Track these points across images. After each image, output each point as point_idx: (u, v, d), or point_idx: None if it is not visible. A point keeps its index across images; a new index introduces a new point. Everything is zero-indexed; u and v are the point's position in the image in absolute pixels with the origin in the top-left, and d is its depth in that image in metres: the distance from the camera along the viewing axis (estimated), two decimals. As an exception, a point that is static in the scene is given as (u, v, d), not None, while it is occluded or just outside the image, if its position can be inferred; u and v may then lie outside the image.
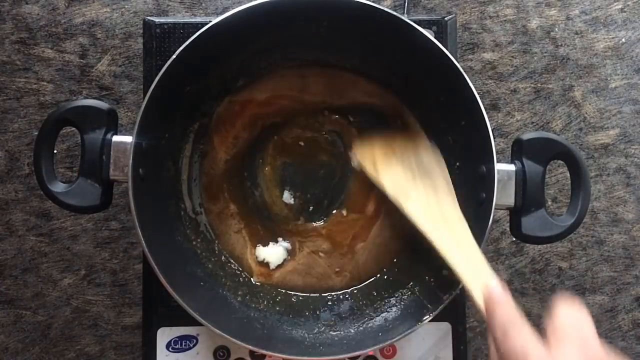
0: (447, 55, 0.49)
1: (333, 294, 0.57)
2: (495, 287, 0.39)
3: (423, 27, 0.50)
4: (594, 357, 0.33)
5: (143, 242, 0.47)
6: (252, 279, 0.57)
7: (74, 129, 0.50)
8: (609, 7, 0.67)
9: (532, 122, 0.66)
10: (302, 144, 0.59)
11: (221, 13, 0.54)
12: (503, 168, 0.50)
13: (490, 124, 0.51)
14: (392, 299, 0.55)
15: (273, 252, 0.57)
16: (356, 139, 0.57)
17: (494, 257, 0.65)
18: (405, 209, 0.50)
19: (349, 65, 0.57)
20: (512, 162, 0.51)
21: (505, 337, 0.35)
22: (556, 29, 0.66)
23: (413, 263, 0.57)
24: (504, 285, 0.40)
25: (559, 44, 0.66)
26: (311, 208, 0.59)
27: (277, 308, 0.56)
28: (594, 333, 0.34)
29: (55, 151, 0.62)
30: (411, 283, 0.55)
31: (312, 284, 0.58)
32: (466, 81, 0.49)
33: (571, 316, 0.35)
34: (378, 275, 0.58)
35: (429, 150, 0.55)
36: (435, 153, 0.55)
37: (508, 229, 0.53)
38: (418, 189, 0.52)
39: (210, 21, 0.49)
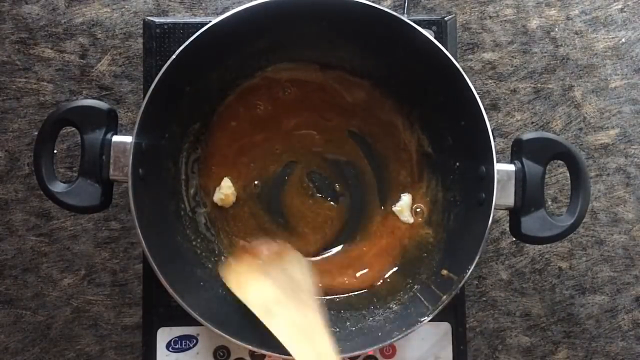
0: (447, 55, 0.49)
1: (333, 295, 0.57)
2: None
3: (423, 27, 0.50)
4: None
5: (143, 242, 0.47)
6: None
7: (74, 129, 0.50)
8: (609, 7, 0.67)
9: (532, 122, 0.66)
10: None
11: (221, 13, 0.54)
12: (503, 168, 0.50)
13: (490, 124, 0.51)
14: (391, 299, 0.55)
15: None
16: (224, 264, 0.56)
17: (494, 257, 0.65)
18: (268, 325, 0.49)
19: (349, 66, 0.57)
20: (511, 162, 0.51)
21: None
22: (556, 29, 0.66)
23: (412, 263, 0.57)
24: None
25: (559, 44, 0.66)
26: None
27: (277, 308, 0.56)
28: None
29: (55, 151, 0.62)
30: (411, 283, 0.55)
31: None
32: (466, 81, 0.49)
33: None
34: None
35: (294, 261, 0.55)
36: (300, 263, 0.54)
37: (508, 229, 0.53)
38: (283, 305, 0.51)
39: (210, 21, 0.49)
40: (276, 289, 0.52)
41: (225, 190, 0.57)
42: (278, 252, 0.56)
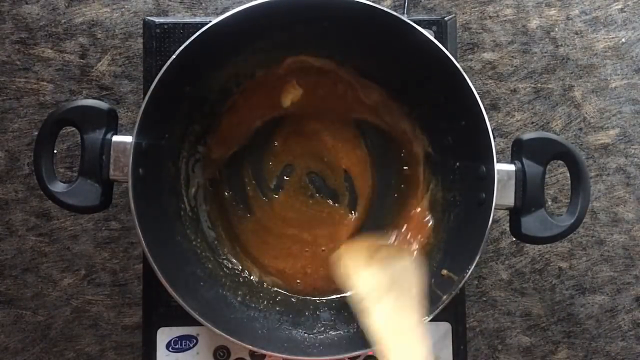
0: (447, 55, 0.49)
1: (333, 295, 0.57)
2: None
3: (423, 27, 0.50)
4: None
5: (143, 242, 0.47)
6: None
7: (74, 129, 0.50)
8: (609, 7, 0.67)
9: (532, 122, 0.66)
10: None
11: (221, 13, 0.54)
12: (503, 168, 0.50)
13: (490, 124, 0.51)
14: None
15: None
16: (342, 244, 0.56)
17: (494, 257, 0.65)
18: (362, 319, 0.48)
19: (349, 65, 0.57)
20: (512, 162, 0.51)
21: None
22: (556, 29, 0.66)
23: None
24: None
25: (559, 44, 0.66)
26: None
27: (277, 308, 0.56)
28: None
29: (55, 151, 0.62)
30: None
31: (315, 285, 0.58)
32: (466, 81, 0.49)
33: None
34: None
35: (410, 265, 0.53)
36: (414, 268, 0.53)
37: (508, 229, 0.53)
38: (386, 301, 0.49)
39: (210, 21, 0.49)
40: (386, 282, 0.51)
41: (292, 90, 0.57)
42: (397, 251, 0.55)
